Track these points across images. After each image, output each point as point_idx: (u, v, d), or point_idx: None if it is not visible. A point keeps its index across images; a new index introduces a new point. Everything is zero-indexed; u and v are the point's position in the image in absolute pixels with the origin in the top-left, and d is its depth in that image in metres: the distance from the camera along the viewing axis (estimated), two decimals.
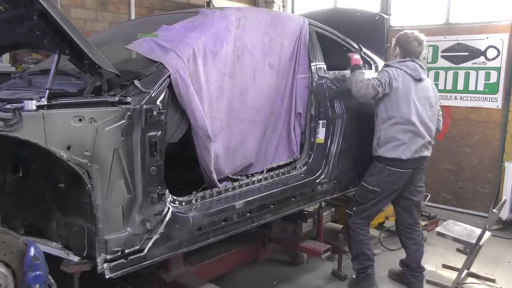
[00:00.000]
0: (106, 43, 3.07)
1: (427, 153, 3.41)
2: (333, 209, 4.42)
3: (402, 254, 3.97)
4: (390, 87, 3.26)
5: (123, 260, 2.21)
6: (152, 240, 2.32)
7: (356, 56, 3.56)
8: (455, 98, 5.55)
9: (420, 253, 3.61)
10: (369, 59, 4.08)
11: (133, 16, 5.53)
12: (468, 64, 5.45)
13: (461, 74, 5.50)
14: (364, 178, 3.48)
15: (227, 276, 3.54)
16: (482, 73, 5.36)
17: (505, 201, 4.01)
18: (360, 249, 3.50)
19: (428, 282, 3.72)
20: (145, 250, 2.30)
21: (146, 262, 2.32)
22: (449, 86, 5.61)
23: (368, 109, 3.75)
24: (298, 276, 3.82)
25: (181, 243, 2.48)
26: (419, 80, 3.33)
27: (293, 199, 3.19)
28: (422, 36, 3.41)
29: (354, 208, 3.53)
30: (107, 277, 2.15)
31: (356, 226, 3.51)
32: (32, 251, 1.92)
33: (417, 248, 3.60)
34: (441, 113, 3.68)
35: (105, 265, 2.13)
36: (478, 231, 3.59)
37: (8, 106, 1.89)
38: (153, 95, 2.30)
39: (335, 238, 3.93)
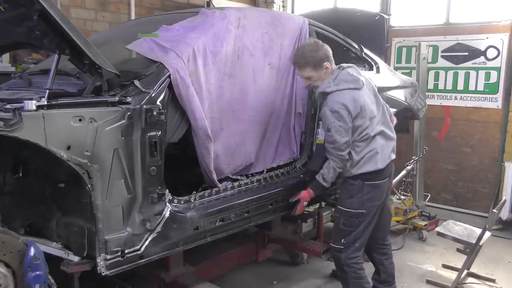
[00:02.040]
0: (106, 43, 3.08)
1: (393, 155, 3.06)
2: (333, 209, 4.41)
3: (401, 254, 3.98)
4: (351, 121, 2.81)
5: (119, 258, 2.21)
6: (149, 239, 2.32)
7: (304, 204, 3.11)
8: (455, 98, 5.55)
9: (394, 265, 3.34)
10: (370, 60, 4.08)
11: (133, 16, 5.53)
12: (468, 64, 5.45)
13: (461, 74, 5.50)
14: (342, 202, 2.98)
15: (227, 276, 3.55)
16: (482, 73, 5.36)
17: (505, 201, 4.01)
18: (361, 285, 3.02)
19: (428, 282, 3.73)
20: (142, 249, 2.30)
21: (143, 260, 2.32)
22: (449, 86, 5.61)
23: None
24: (298, 276, 3.82)
25: (178, 242, 2.49)
26: (359, 88, 2.88)
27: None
28: (313, 39, 3.10)
29: (343, 241, 2.97)
30: (103, 274, 2.15)
31: (352, 262, 2.97)
32: (32, 251, 1.92)
33: (390, 261, 3.31)
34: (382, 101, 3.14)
35: (102, 263, 2.14)
36: (478, 231, 3.59)
37: (8, 106, 1.89)
38: (153, 95, 2.30)
39: None
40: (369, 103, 2.91)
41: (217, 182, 2.78)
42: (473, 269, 3.84)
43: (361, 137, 2.87)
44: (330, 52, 2.94)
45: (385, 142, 2.97)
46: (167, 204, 2.41)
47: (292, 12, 7.14)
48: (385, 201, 3.14)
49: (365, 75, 3.03)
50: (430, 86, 5.64)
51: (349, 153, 2.87)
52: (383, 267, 3.27)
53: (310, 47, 2.94)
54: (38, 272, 1.93)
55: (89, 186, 2.05)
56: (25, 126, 1.82)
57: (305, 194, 3.06)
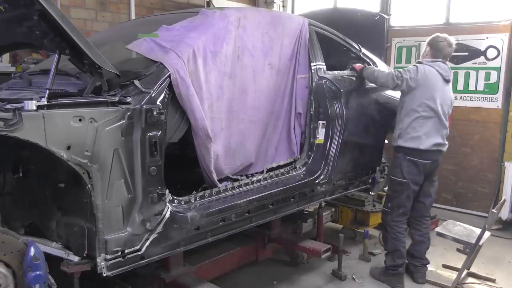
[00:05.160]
0: (106, 43, 3.08)
1: (443, 148, 3.57)
2: (333, 209, 4.43)
3: None
4: (414, 82, 3.43)
5: (120, 259, 2.21)
6: (150, 239, 2.32)
7: (358, 64, 3.77)
8: (455, 98, 5.47)
9: (425, 244, 3.75)
10: (368, 60, 4.08)
11: (133, 16, 5.53)
12: (468, 64, 5.44)
13: (461, 74, 5.50)
14: (391, 171, 3.69)
15: (227, 276, 3.55)
16: (482, 73, 5.36)
17: (504, 201, 4.00)
18: (396, 246, 3.61)
19: (428, 282, 3.73)
20: (143, 249, 2.30)
21: (144, 261, 2.32)
22: None
23: (368, 109, 3.76)
24: (298, 276, 3.82)
25: (179, 242, 2.48)
26: (448, 81, 3.52)
27: (292, 199, 3.19)
28: (452, 39, 3.58)
29: (389, 205, 3.64)
30: (104, 275, 2.15)
31: (395, 224, 3.60)
32: (32, 251, 1.93)
33: (421, 239, 3.73)
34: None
35: (102, 263, 2.14)
36: (478, 231, 3.59)
37: (8, 106, 1.89)
38: (153, 95, 2.30)
39: (335, 238, 3.93)
40: (440, 97, 3.44)
41: (217, 182, 2.78)
42: (473, 269, 3.84)
43: (416, 114, 3.45)
44: (442, 48, 3.52)
45: (439, 129, 3.48)
46: (167, 204, 2.41)
47: (292, 12, 7.14)
48: (430, 181, 3.65)
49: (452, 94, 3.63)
50: None
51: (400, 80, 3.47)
52: (413, 241, 3.78)
53: (444, 37, 3.55)
54: (38, 272, 1.93)
55: (89, 186, 2.05)
56: (25, 126, 1.82)
57: (359, 67, 3.72)
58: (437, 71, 3.47)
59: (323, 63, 3.48)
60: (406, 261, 3.77)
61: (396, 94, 4.02)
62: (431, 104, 3.44)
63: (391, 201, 3.63)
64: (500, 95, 5.26)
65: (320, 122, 3.37)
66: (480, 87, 5.39)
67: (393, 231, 3.61)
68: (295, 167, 3.31)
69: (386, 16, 4.69)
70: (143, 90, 2.28)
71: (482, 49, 5.33)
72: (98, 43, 2.68)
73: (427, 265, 3.79)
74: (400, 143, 3.53)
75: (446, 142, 3.61)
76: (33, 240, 2.05)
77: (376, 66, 4.11)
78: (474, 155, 5.50)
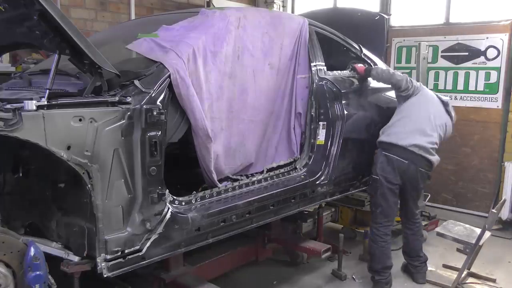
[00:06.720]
0: (106, 43, 3.08)
1: (425, 153, 3.41)
2: (333, 209, 4.43)
3: (401, 254, 3.97)
4: (417, 90, 3.55)
5: (121, 260, 2.21)
6: (151, 240, 2.32)
7: (359, 64, 3.78)
8: (455, 98, 5.54)
9: (418, 241, 3.76)
10: (369, 60, 4.08)
11: (133, 16, 5.53)
12: (468, 64, 5.45)
13: (461, 74, 5.50)
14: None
15: (227, 276, 3.55)
16: (482, 73, 5.36)
17: (505, 201, 4.01)
18: (373, 250, 3.55)
19: (428, 282, 3.73)
20: (144, 250, 2.30)
21: (144, 262, 2.32)
22: (449, 86, 5.60)
23: (368, 110, 3.76)
24: (298, 276, 3.82)
25: (180, 243, 2.48)
26: (442, 102, 3.62)
27: (293, 200, 3.18)
28: None
29: (370, 204, 3.72)
30: (105, 276, 2.15)
31: (374, 227, 3.54)
32: (32, 251, 1.93)
33: (415, 238, 3.74)
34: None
35: (103, 264, 2.14)
36: (478, 231, 3.59)
37: (8, 106, 1.89)
38: (153, 95, 2.30)
39: (335, 238, 3.93)
40: (433, 109, 3.54)
41: (217, 182, 2.78)
42: (473, 269, 3.84)
43: (403, 114, 3.52)
44: None
45: (419, 133, 3.44)
46: (168, 205, 2.41)
47: (292, 12, 7.13)
48: (415, 189, 3.56)
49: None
50: (430, 86, 5.62)
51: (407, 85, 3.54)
52: (407, 240, 3.77)
53: None
54: (38, 272, 1.93)
55: (89, 186, 2.05)
56: (25, 126, 1.82)
57: (361, 68, 3.74)
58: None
59: (323, 64, 3.47)
60: (405, 261, 3.78)
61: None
62: (423, 112, 3.49)
63: (371, 199, 3.67)
64: (500, 95, 5.26)
65: (321, 123, 3.36)
66: (480, 87, 5.39)
67: (372, 233, 3.56)
68: (295, 167, 3.31)
69: (386, 16, 4.69)
70: (143, 90, 2.28)
71: (482, 49, 5.33)
72: (98, 43, 2.69)
73: (427, 265, 3.78)
74: (381, 138, 3.54)
75: (434, 154, 3.46)
76: (33, 240, 2.05)
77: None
78: (474, 155, 5.50)
